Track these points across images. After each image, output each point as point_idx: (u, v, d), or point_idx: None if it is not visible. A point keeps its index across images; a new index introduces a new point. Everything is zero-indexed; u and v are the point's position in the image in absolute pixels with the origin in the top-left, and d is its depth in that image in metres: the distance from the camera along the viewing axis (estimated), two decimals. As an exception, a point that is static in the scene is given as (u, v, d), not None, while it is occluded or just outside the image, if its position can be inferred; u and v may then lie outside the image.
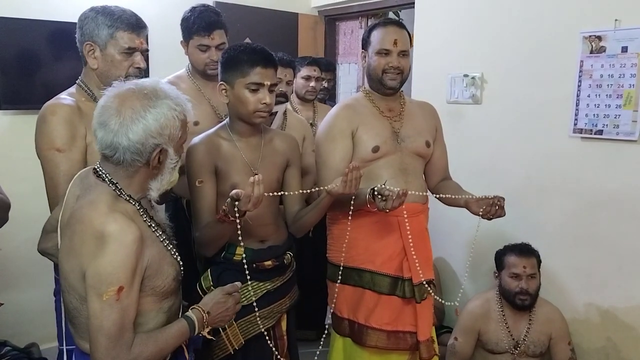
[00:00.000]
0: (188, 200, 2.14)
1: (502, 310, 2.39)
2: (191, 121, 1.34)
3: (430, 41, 2.98)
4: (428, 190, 2.04)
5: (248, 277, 1.62)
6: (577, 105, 2.37)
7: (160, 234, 1.30)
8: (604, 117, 2.29)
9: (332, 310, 1.95)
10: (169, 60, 2.43)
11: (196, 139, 1.70)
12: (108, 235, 1.14)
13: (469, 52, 2.81)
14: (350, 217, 1.72)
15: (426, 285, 1.89)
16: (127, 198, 1.24)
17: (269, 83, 1.64)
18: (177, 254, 1.35)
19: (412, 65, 2.67)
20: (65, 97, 1.57)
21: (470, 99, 2.81)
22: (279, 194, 1.69)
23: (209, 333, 1.36)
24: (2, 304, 2.17)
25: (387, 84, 1.90)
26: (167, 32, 2.28)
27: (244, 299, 1.69)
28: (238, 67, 1.63)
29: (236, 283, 1.47)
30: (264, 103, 1.64)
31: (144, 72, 1.64)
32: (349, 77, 4.11)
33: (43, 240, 1.44)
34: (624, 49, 2.21)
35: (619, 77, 2.23)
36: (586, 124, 2.35)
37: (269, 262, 1.74)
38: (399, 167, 1.92)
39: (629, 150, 2.24)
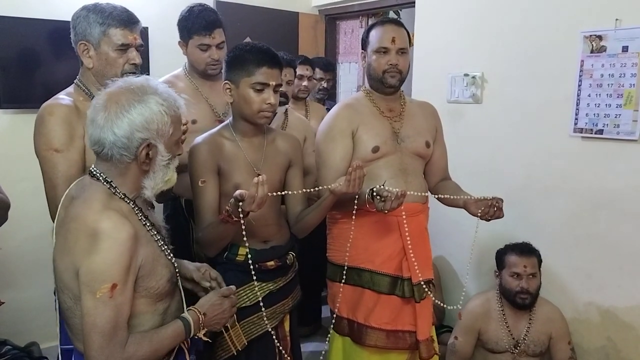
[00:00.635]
0: (187, 200, 2.15)
1: (502, 310, 2.39)
2: (187, 119, 1.33)
3: (430, 40, 2.97)
4: (428, 190, 2.03)
5: (254, 278, 1.62)
6: (577, 104, 2.37)
7: (155, 234, 1.30)
8: (605, 116, 2.29)
9: (336, 311, 1.94)
10: (169, 59, 2.43)
11: (199, 139, 1.70)
12: (101, 233, 1.14)
13: (469, 52, 2.81)
14: (354, 217, 1.72)
15: (424, 287, 1.89)
16: (122, 196, 1.24)
17: (274, 83, 1.64)
18: (172, 255, 1.34)
19: (413, 65, 2.67)
20: (63, 97, 1.57)
21: (471, 98, 2.80)
22: (283, 193, 1.69)
23: (205, 335, 1.35)
24: (2, 303, 2.17)
25: (388, 82, 1.90)
26: (166, 31, 2.28)
27: (246, 300, 1.70)
28: (244, 66, 1.63)
29: (231, 287, 1.47)
30: (269, 103, 1.64)
31: (143, 69, 1.62)
32: (350, 76, 4.11)
33: None
34: (625, 49, 2.20)
35: (620, 76, 2.23)
36: (586, 123, 2.35)
37: (272, 263, 1.74)
38: (399, 167, 1.92)
39: (629, 149, 2.24)
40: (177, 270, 1.35)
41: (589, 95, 2.33)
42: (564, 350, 2.34)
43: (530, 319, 2.36)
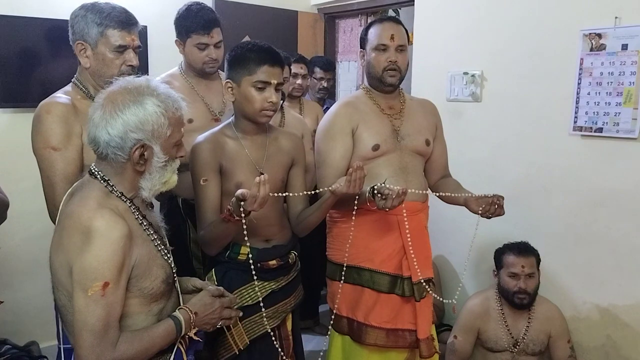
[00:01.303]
0: (184, 199, 2.14)
1: (501, 309, 2.39)
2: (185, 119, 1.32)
3: (430, 39, 2.97)
4: (428, 189, 2.03)
5: (255, 277, 1.62)
6: (577, 103, 2.37)
7: (151, 234, 1.29)
8: (604, 114, 2.28)
9: (335, 310, 1.94)
10: (168, 58, 2.42)
11: (201, 137, 1.70)
12: (94, 231, 1.14)
13: (468, 50, 2.80)
14: (354, 216, 1.71)
15: (424, 284, 1.89)
16: (119, 195, 1.24)
17: (275, 82, 1.64)
18: (169, 256, 1.34)
19: (412, 63, 2.66)
20: (61, 96, 1.56)
21: (470, 96, 2.80)
22: (285, 194, 1.69)
23: (195, 334, 1.34)
24: (2, 302, 2.17)
25: (387, 81, 1.90)
26: (165, 30, 2.27)
27: (248, 299, 1.69)
28: (245, 65, 1.62)
29: (220, 287, 1.47)
30: (270, 102, 1.63)
31: (141, 68, 1.62)
32: (349, 75, 4.11)
33: None
34: (624, 47, 2.20)
35: (619, 74, 2.23)
36: (586, 121, 2.35)
37: (274, 262, 1.73)
38: (399, 165, 1.91)
39: (629, 148, 2.24)
40: (174, 271, 1.35)
41: (589, 94, 2.32)
42: (563, 348, 2.34)
43: (529, 317, 2.36)
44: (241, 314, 1.51)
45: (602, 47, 2.27)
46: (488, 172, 2.73)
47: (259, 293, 1.66)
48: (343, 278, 1.85)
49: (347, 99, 2.01)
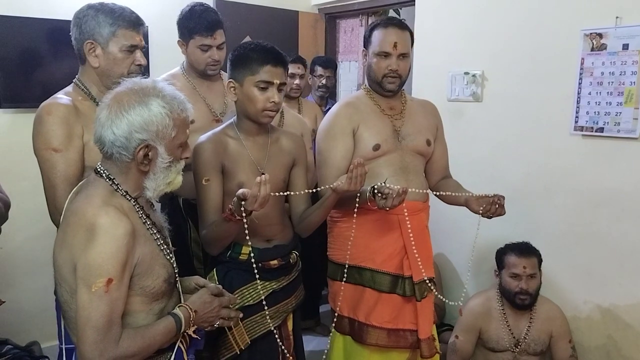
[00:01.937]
0: (185, 199, 2.15)
1: (502, 309, 2.38)
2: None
3: (430, 39, 2.97)
4: (429, 189, 2.03)
5: (257, 277, 1.62)
6: (578, 102, 2.37)
7: (154, 233, 1.30)
8: (605, 114, 2.28)
9: (337, 310, 1.94)
10: (169, 59, 2.42)
11: (203, 137, 1.70)
12: (99, 227, 1.15)
13: (469, 50, 2.80)
14: (355, 215, 1.72)
15: (428, 283, 1.89)
16: (124, 194, 1.25)
17: (278, 82, 1.64)
18: (171, 256, 1.34)
19: (413, 63, 2.66)
20: (62, 97, 1.56)
21: (471, 96, 2.80)
22: (286, 193, 1.69)
23: (194, 332, 1.35)
24: (3, 302, 2.17)
25: (387, 87, 1.90)
26: (167, 31, 2.28)
27: (249, 299, 1.70)
28: (248, 65, 1.62)
29: (219, 286, 1.48)
30: (273, 102, 1.63)
31: (144, 69, 1.64)
32: (350, 75, 4.11)
33: None
34: (625, 47, 2.20)
35: (620, 74, 2.22)
36: (587, 121, 2.35)
37: (275, 262, 1.74)
38: (400, 165, 1.91)
39: (629, 147, 2.24)
40: (176, 271, 1.35)
41: (590, 93, 2.32)
42: (564, 348, 2.34)
43: (530, 317, 2.36)
44: (241, 315, 1.51)
45: (602, 47, 2.27)
46: (489, 172, 2.73)
47: (261, 292, 1.67)
48: (345, 277, 1.85)
49: (348, 99, 2.01)
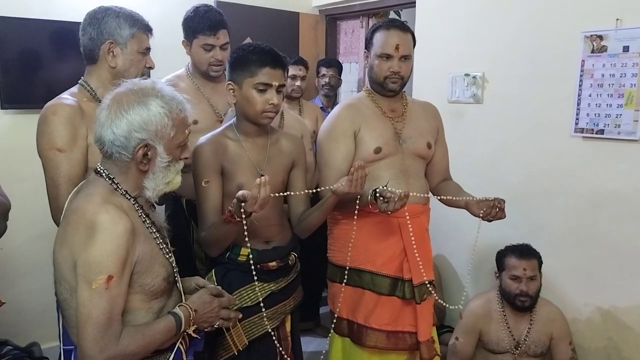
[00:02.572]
0: (187, 200, 2.15)
1: (503, 311, 2.38)
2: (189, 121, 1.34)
3: (431, 40, 2.97)
4: (429, 191, 2.03)
5: (255, 278, 1.62)
6: (578, 104, 2.37)
7: (154, 232, 1.31)
8: (605, 116, 2.28)
9: (337, 312, 1.94)
10: (171, 60, 2.42)
11: (202, 139, 1.70)
12: (99, 225, 1.16)
13: (470, 52, 2.81)
14: (355, 217, 1.72)
15: (428, 286, 1.89)
16: (124, 193, 1.26)
17: (277, 84, 1.64)
18: (171, 255, 1.35)
19: (413, 65, 2.66)
20: (67, 97, 1.57)
21: (472, 98, 2.80)
22: (285, 194, 1.69)
23: (194, 332, 1.36)
24: (3, 303, 2.17)
25: (389, 86, 1.90)
26: (169, 32, 2.28)
27: (248, 300, 1.70)
28: (246, 67, 1.63)
29: (219, 287, 1.49)
30: (272, 104, 1.64)
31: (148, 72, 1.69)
32: (350, 76, 4.11)
33: None
34: (625, 49, 2.20)
35: (620, 76, 2.23)
36: (587, 123, 2.35)
37: (274, 263, 1.74)
38: (400, 168, 1.91)
39: (630, 149, 2.24)
40: (175, 270, 1.36)
41: (590, 95, 2.33)
42: (565, 350, 2.34)
43: (531, 319, 2.35)
44: (240, 315, 1.52)
45: (603, 49, 2.27)
46: (489, 174, 2.73)
47: (259, 294, 1.67)
48: (345, 280, 1.85)
49: (349, 101, 2.02)
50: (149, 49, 1.65)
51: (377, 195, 1.65)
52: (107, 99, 1.25)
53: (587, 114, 2.34)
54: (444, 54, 2.93)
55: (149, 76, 1.58)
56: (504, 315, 2.38)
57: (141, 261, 1.24)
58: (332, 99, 3.49)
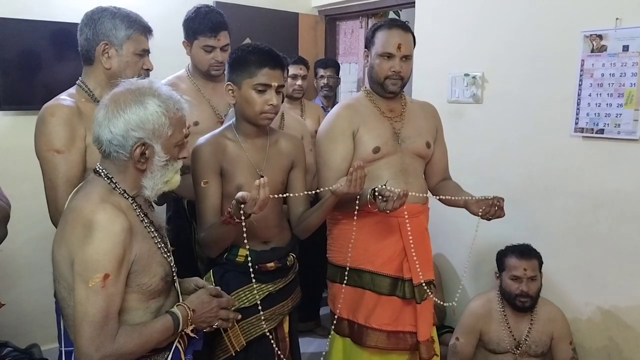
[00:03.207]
0: (189, 201, 2.15)
1: (503, 311, 2.38)
2: (189, 122, 1.34)
3: (430, 40, 2.97)
4: (428, 191, 2.03)
5: (253, 279, 1.62)
6: (578, 104, 2.37)
7: (152, 231, 1.31)
8: (605, 116, 2.28)
9: (337, 313, 1.94)
10: (171, 61, 2.43)
11: (202, 140, 1.70)
12: (96, 223, 1.16)
13: (469, 52, 2.81)
14: (355, 217, 1.72)
15: (425, 287, 1.88)
16: (122, 192, 1.27)
17: (276, 84, 1.64)
18: (169, 254, 1.35)
19: (413, 65, 2.66)
20: (65, 98, 1.57)
21: (471, 98, 2.80)
22: (284, 195, 1.69)
23: (192, 331, 1.36)
24: (3, 305, 2.17)
25: (389, 88, 1.90)
26: (169, 33, 2.27)
27: (245, 301, 1.70)
28: (245, 67, 1.63)
29: (217, 287, 1.49)
30: (271, 104, 1.64)
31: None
32: (350, 76, 4.11)
33: None
34: (625, 48, 2.20)
35: (620, 76, 2.22)
36: (587, 123, 2.35)
37: (272, 264, 1.74)
38: (399, 167, 1.91)
39: (630, 149, 2.24)
40: (173, 270, 1.36)
41: (590, 95, 2.32)
42: (565, 350, 2.33)
43: (531, 319, 2.35)
44: (239, 316, 1.51)
45: (603, 49, 2.27)
46: (489, 174, 2.73)
47: (257, 295, 1.66)
48: (346, 280, 1.85)
49: (348, 102, 2.02)
50: (146, 50, 1.63)
51: (376, 194, 1.64)
52: (105, 98, 1.26)
53: (587, 114, 2.34)
54: (444, 54, 2.93)
55: (148, 77, 1.58)
56: (505, 315, 2.37)
57: (138, 260, 1.24)
58: (331, 99, 3.49)
